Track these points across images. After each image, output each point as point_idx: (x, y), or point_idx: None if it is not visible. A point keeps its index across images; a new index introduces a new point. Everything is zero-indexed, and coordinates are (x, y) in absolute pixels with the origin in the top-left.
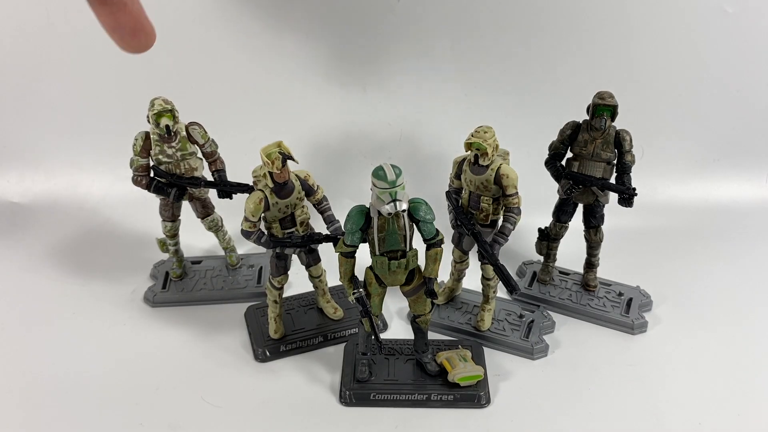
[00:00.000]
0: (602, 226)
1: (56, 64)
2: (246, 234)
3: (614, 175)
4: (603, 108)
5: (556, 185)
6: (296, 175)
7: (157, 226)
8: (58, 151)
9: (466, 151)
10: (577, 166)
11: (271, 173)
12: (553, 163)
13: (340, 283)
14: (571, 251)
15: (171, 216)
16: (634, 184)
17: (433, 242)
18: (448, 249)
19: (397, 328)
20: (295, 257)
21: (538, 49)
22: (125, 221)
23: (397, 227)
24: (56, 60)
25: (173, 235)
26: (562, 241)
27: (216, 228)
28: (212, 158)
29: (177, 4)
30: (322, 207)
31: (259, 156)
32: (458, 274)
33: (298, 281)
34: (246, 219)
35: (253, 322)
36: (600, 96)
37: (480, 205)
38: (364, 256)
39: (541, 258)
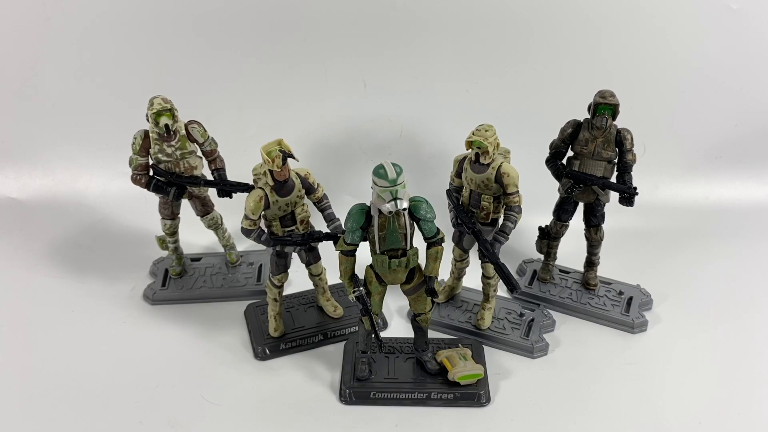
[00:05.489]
0: (603, 225)
1: (54, 59)
2: (246, 232)
3: (615, 174)
4: (604, 107)
5: (556, 184)
6: (296, 173)
7: (156, 222)
8: (56, 146)
9: (467, 150)
10: (578, 165)
11: (271, 171)
12: (553, 161)
13: (340, 282)
14: (571, 250)
15: (170, 214)
16: (635, 183)
17: (433, 241)
18: (448, 247)
19: (397, 327)
20: (295, 255)
21: (540, 46)
22: (124, 218)
23: (398, 226)
24: (54, 55)
25: (173, 233)
26: (562, 239)
27: (216, 226)
28: (212, 157)
29: (176, 2)
30: (322, 205)
31: (259, 154)
32: (458, 273)
33: (298, 279)
34: (246, 217)
35: (253, 320)
36: (601, 95)
37: (481, 203)
38: (364, 254)
39: (542, 256)
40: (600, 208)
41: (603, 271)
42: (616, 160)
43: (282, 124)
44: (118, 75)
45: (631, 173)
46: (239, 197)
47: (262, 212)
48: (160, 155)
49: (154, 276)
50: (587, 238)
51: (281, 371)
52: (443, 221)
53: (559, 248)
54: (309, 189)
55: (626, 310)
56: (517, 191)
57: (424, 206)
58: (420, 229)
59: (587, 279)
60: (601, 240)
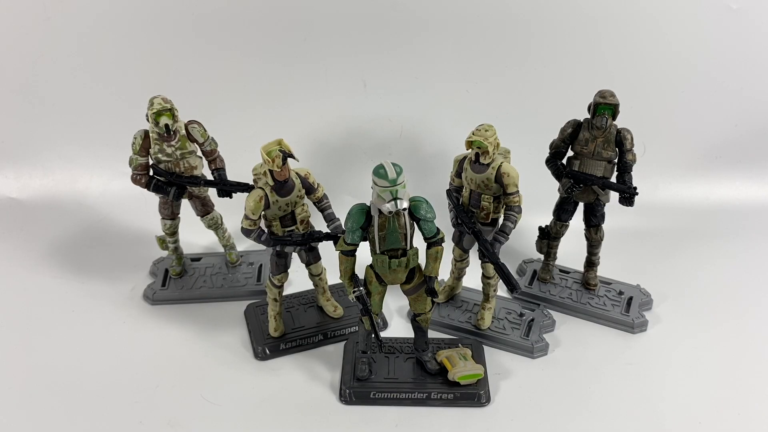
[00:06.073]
0: (603, 225)
1: (54, 59)
2: (246, 232)
3: (615, 173)
4: (604, 107)
5: (556, 184)
6: (296, 173)
7: (156, 222)
8: (56, 146)
9: (467, 150)
10: (578, 165)
11: (271, 171)
12: (553, 161)
13: (340, 282)
14: (571, 250)
15: (170, 214)
16: (635, 183)
17: (433, 241)
18: (448, 247)
19: (397, 327)
20: (295, 255)
21: (540, 47)
22: (124, 218)
23: (398, 226)
24: (54, 55)
25: (173, 232)
26: (562, 239)
27: (216, 226)
28: (212, 157)
29: (176, 2)
30: (322, 205)
31: (259, 154)
32: (458, 273)
33: (298, 279)
34: (246, 217)
35: (253, 320)
36: (601, 94)
37: (481, 203)
38: (364, 254)
39: (542, 256)
40: (600, 208)
41: (603, 271)
42: (616, 160)
43: (282, 124)
44: (118, 75)
45: (631, 173)
46: (239, 197)
47: (262, 212)
48: (160, 155)
49: (154, 276)
50: (587, 238)
51: (281, 371)
52: (443, 221)
53: (559, 248)
54: (309, 189)
55: (626, 310)
56: (517, 191)
57: (424, 206)
58: (420, 229)
59: (587, 279)
60: (601, 240)
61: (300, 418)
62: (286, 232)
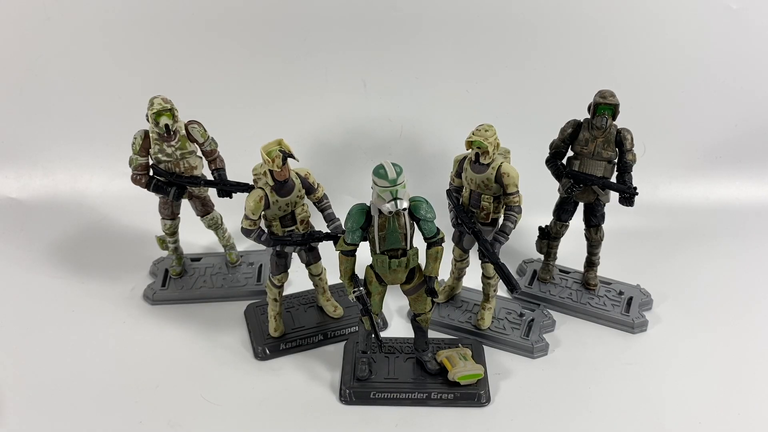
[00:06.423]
0: (603, 225)
1: (54, 59)
2: (246, 232)
3: (615, 173)
4: (604, 107)
5: (556, 184)
6: (296, 173)
7: (156, 222)
8: (56, 146)
9: (467, 150)
10: (578, 165)
11: (271, 171)
12: (553, 161)
13: (340, 282)
14: (571, 250)
15: (170, 214)
16: (635, 183)
17: (433, 241)
18: (448, 247)
19: (397, 327)
20: (295, 255)
21: (540, 46)
22: (124, 218)
23: (398, 226)
24: (54, 56)
25: (173, 233)
26: (562, 239)
27: (216, 226)
28: (212, 157)
29: (177, 2)
30: (322, 205)
31: (259, 154)
32: (458, 273)
33: (298, 279)
34: (246, 217)
35: (253, 320)
36: (601, 95)
37: (481, 203)
38: (364, 254)
39: (542, 256)
40: (600, 208)
41: (603, 271)
42: (616, 160)
43: (282, 124)
44: (118, 75)
45: (631, 173)
46: (239, 197)
47: (262, 212)
48: (160, 155)
49: (154, 276)
50: (587, 238)
51: (281, 371)
52: (443, 221)
53: (559, 248)
54: (309, 189)
55: (626, 310)
56: (517, 191)
57: (424, 206)
58: (420, 229)
59: (587, 279)
60: (601, 240)
61: (300, 418)
62: (286, 232)
